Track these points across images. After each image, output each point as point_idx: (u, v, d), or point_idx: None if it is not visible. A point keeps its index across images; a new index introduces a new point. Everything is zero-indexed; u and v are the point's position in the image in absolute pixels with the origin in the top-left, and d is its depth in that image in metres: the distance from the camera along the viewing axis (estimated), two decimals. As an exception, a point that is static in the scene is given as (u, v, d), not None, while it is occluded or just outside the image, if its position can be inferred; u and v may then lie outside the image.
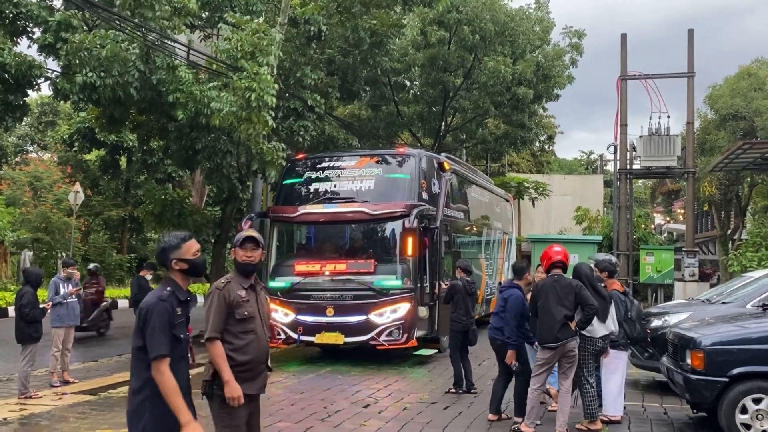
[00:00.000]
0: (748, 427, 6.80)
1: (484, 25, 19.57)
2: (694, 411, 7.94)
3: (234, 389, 4.27)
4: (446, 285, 10.44)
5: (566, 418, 7.18)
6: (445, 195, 13.54)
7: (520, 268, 8.46)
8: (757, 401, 6.82)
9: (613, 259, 8.68)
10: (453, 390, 9.52)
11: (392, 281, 11.80)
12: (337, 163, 13.07)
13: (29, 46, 12.29)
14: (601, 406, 7.71)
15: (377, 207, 12.03)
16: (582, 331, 7.33)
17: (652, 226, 36.38)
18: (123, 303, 22.37)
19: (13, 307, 10.32)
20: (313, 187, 12.87)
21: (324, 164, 13.11)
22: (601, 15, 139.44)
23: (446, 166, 13.80)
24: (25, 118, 15.16)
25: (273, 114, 11.44)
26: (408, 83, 22.93)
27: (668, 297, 22.00)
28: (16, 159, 35.30)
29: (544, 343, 7.18)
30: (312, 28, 14.08)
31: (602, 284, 7.79)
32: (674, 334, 7.91)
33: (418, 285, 12.00)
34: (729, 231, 31.62)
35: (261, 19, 12.18)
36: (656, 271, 22.78)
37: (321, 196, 12.68)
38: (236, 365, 4.36)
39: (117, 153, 27.04)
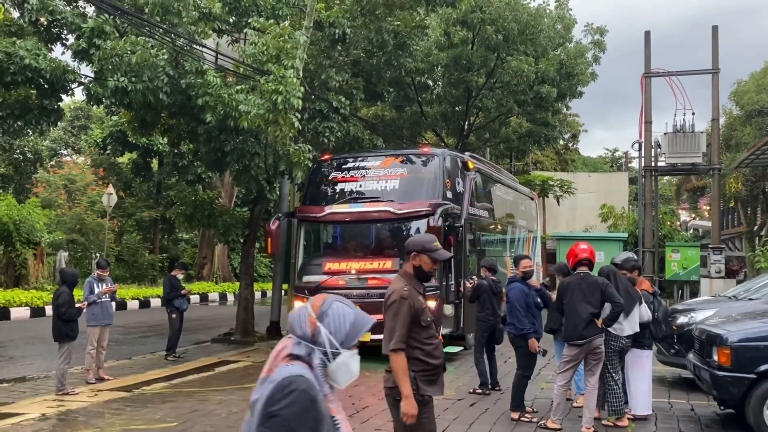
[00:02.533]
0: (776, 423, 6.84)
1: (507, 25, 19.56)
2: (722, 408, 7.95)
3: (413, 406, 4.18)
4: (471, 284, 10.50)
5: (593, 414, 7.26)
6: (470, 194, 13.62)
7: (515, 258, 9.08)
8: (785, 397, 6.83)
9: (633, 255, 8.71)
10: (479, 391, 9.47)
11: (418, 280, 11.93)
12: (362, 164, 13.22)
13: (63, 52, 12.60)
14: (627, 402, 7.79)
15: (402, 206, 12.17)
16: (609, 329, 7.41)
17: (678, 223, 36.09)
18: (156, 302, 22.80)
19: (50, 307, 10.60)
20: (338, 187, 13.04)
21: (349, 164, 13.28)
22: (617, 15, 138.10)
23: (470, 165, 13.88)
24: (59, 123, 15.50)
25: (299, 116, 11.60)
26: (431, 83, 22.98)
27: (694, 294, 21.86)
28: (51, 162, 36.00)
29: (570, 340, 7.27)
30: (336, 31, 14.23)
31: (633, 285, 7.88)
32: (701, 331, 7.93)
33: (444, 283, 12.11)
34: (755, 227, 31.26)
35: (286, 23, 12.37)
36: (682, 268, 22.65)
37: (347, 195, 12.84)
38: (430, 369, 4.33)
39: (148, 156, 27.51)
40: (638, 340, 7.75)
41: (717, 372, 7.17)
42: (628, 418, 7.65)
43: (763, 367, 6.93)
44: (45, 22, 11.94)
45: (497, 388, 9.57)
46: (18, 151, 30.82)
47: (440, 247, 4.48)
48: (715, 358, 7.21)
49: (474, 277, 10.04)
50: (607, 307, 7.24)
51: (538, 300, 8.13)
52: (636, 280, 8.02)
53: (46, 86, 11.75)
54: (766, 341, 7.14)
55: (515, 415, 7.86)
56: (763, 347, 7.08)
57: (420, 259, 4.40)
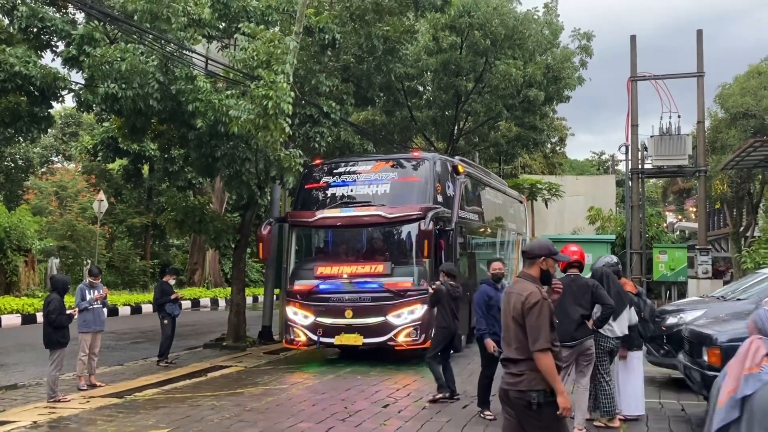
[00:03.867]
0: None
1: (495, 30, 19.72)
2: (711, 407, 8.04)
3: (568, 400, 4.34)
4: (433, 289, 9.99)
5: (584, 415, 7.31)
6: (460, 197, 13.69)
7: (488, 260, 9.04)
8: (773, 397, 6.94)
9: (612, 259, 8.61)
10: (438, 396, 9.09)
11: (409, 283, 12.00)
12: (353, 168, 13.27)
13: (53, 59, 12.61)
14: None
15: (393, 210, 12.22)
16: (600, 330, 7.48)
17: (665, 225, 36.37)
18: (147, 308, 22.73)
19: (42, 314, 10.58)
20: (330, 191, 13.08)
21: (340, 169, 13.33)
22: (600, 22, 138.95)
23: (460, 169, 13.97)
24: (49, 129, 15.47)
25: (290, 121, 11.63)
26: (421, 88, 23.11)
27: (682, 294, 22.05)
28: (42, 169, 35.81)
29: (561, 342, 7.32)
30: (326, 37, 14.28)
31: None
32: (690, 332, 8.00)
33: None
34: (741, 228, 31.54)
35: (276, 29, 12.41)
36: (669, 269, 22.87)
37: (338, 200, 12.88)
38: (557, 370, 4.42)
39: (139, 162, 27.47)
40: (627, 341, 7.83)
41: (707, 372, 7.21)
42: (620, 419, 7.73)
43: (750, 367, 7.01)
44: (35, 29, 11.93)
45: (456, 396, 9.19)
46: (9, 159, 30.66)
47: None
48: (705, 358, 7.27)
49: (437, 282, 9.85)
50: (598, 308, 7.33)
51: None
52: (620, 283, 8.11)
53: (36, 93, 11.76)
54: (752, 341, 7.23)
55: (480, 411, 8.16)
56: (751, 347, 7.17)
57: (547, 263, 4.65)
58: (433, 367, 9.25)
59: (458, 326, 9.46)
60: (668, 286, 23.97)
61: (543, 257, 4.64)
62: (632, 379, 7.93)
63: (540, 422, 4.34)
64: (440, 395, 9.11)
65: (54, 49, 12.57)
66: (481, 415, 8.12)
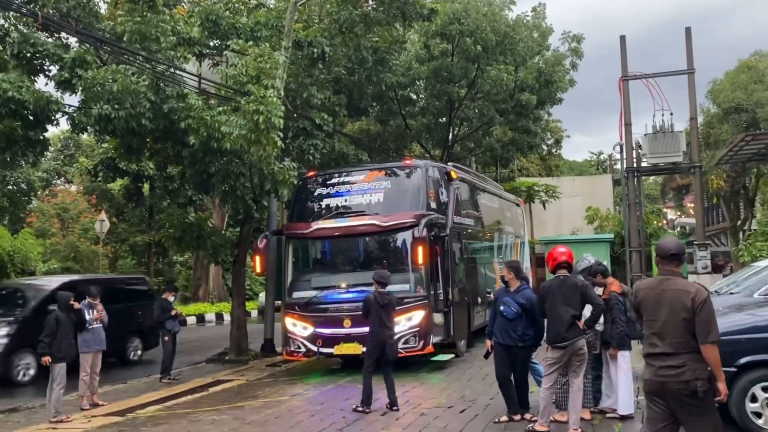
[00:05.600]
0: (759, 415, 6.95)
1: (485, 36, 19.85)
2: (705, 402, 8.08)
3: (726, 388, 4.70)
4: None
5: (579, 415, 7.40)
6: (454, 203, 13.82)
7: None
8: (766, 389, 6.95)
9: (596, 258, 8.77)
10: (360, 408, 9.00)
11: (406, 290, 12.08)
12: (347, 178, 13.40)
13: (47, 83, 12.72)
14: (599, 398, 8.16)
15: (387, 219, 12.33)
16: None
17: (665, 222, 36.42)
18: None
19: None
20: (324, 202, 13.21)
21: (334, 180, 13.46)
22: (586, 22, 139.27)
23: (453, 175, 14.08)
24: (48, 153, 15.59)
25: (282, 135, 11.78)
26: (414, 96, 23.26)
27: (683, 290, 22.05)
28: (45, 193, 35.99)
29: (553, 343, 7.42)
30: (316, 50, 14.41)
31: (602, 288, 8.13)
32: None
33: (432, 292, 12.28)
34: (739, 222, 31.61)
35: (266, 45, 12.57)
36: (669, 266, 22.86)
37: (333, 211, 13.00)
38: None
39: (139, 181, 27.55)
40: (606, 341, 7.97)
41: (698, 367, 7.29)
42: (612, 417, 7.87)
43: (743, 360, 7.03)
44: (27, 54, 12.07)
45: (394, 408, 9.05)
46: (12, 183, 30.81)
47: None
48: (696, 353, 7.34)
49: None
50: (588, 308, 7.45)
51: (501, 308, 8.11)
52: (604, 283, 8.20)
53: (30, 117, 11.86)
54: (745, 334, 7.26)
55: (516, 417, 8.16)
56: (744, 340, 7.18)
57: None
58: (367, 381, 9.12)
59: (388, 334, 9.30)
60: (669, 283, 23.95)
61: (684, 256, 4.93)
62: (622, 379, 8.00)
63: (701, 409, 4.59)
64: (361, 408, 8.99)
65: (47, 73, 12.70)
66: (524, 417, 8.11)
